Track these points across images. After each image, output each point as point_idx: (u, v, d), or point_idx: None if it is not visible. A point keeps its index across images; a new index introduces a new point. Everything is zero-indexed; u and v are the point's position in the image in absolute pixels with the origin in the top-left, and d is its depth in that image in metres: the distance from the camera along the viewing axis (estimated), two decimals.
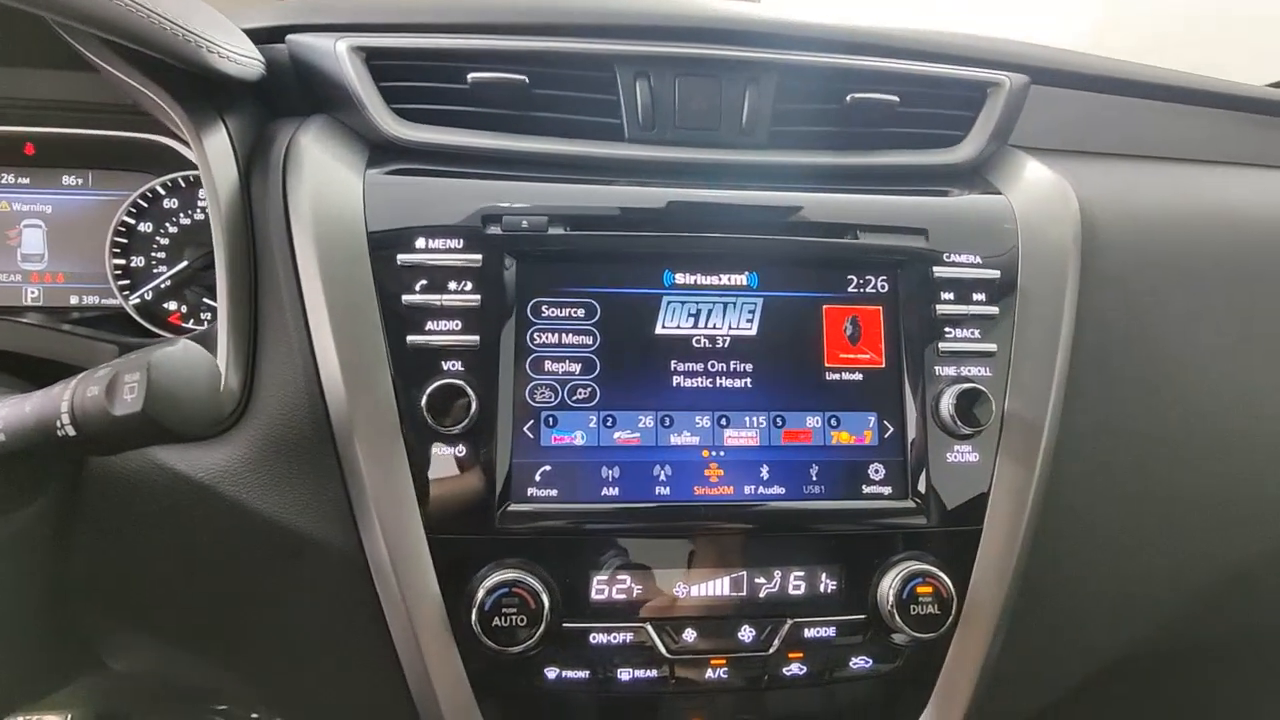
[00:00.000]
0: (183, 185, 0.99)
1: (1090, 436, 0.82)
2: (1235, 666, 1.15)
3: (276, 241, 0.74)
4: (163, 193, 1.02)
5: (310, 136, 0.79)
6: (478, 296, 0.73)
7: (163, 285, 1.01)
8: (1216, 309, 0.89)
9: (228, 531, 0.71)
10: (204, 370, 0.55)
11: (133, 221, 1.01)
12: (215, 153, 0.77)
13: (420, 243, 0.73)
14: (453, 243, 0.73)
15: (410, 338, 0.72)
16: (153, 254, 1.01)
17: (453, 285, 0.73)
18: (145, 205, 1.01)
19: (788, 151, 0.86)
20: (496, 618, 0.68)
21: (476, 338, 0.72)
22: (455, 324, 0.72)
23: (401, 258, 0.73)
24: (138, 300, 1.00)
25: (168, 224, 1.02)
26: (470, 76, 0.80)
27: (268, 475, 0.71)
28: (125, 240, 1.00)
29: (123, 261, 1.00)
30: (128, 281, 1.00)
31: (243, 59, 0.77)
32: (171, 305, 1.01)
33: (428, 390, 0.69)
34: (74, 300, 1.01)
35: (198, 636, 0.75)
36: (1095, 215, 0.87)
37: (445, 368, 0.72)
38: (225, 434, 0.72)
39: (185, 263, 1.00)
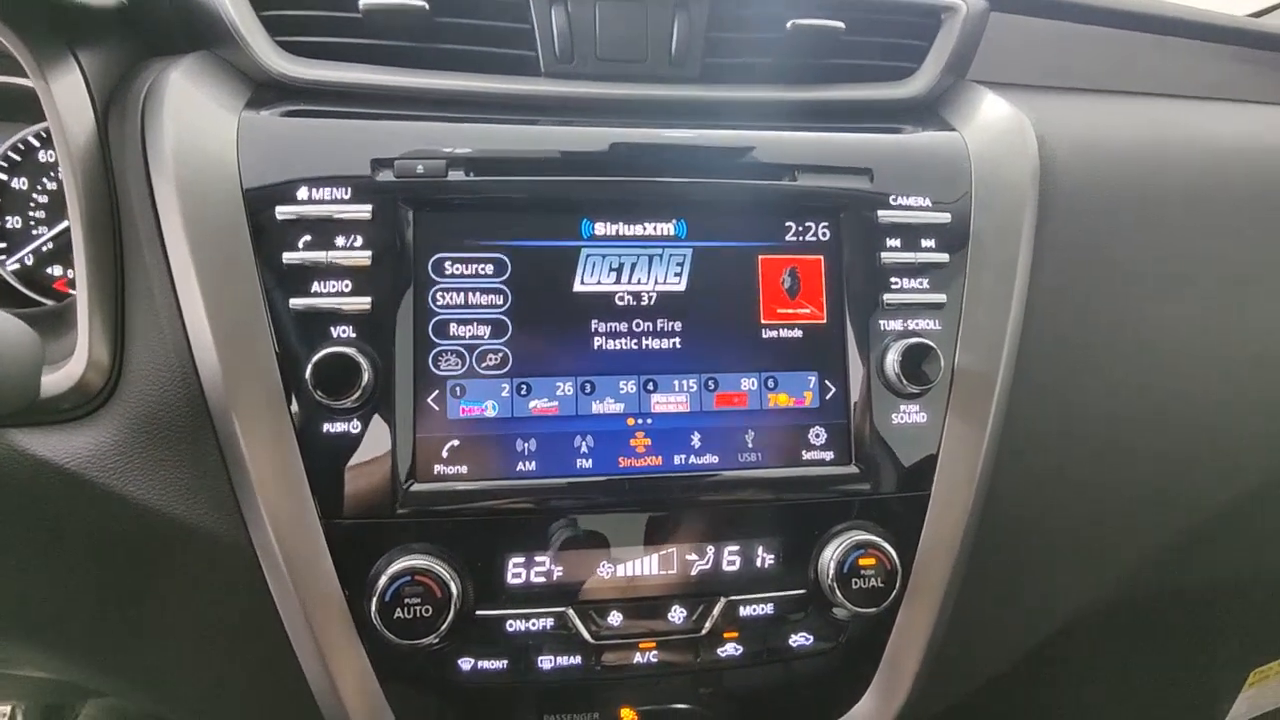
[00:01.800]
0: None
1: (1046, 391, 0.77)
2: (1188, 620, 1.14)
3: (136, 194, 0.65)
4: (37, 144, 0.92)
5: (180, 73, 0.69)
6: (368, 253, 0.65)
7: (44, 248, 0.91)
8: (1184, 251, 0.83)
9: (98, 524, 0.63)
10: (14, 341, 0.47)
11: (5, 177, 0.91)
12: (65, 95, 0.67)
13: (301, 193, 0.65)
14: (338, 192, 0.65)
15: (293, 301, 0.64)
16: (30, 213, 0.92)
17: (340, 240, 0.65)
18: (18, 158, 0.91)
19: (722, 86, 0.78)
20: (398, 609, 0.62)
21: (368, 300, 0.64)
22: (344, 284, 0.64)
23: (281, 210, 0.64)
24: (16, 265, 0.91)
25: (45, 179, 0.92)
26: (363, 3, 0.71)
27: (141, 459, 0.64)
28: None
29: None
30: (3, 245, 0.91)
31: None
32: (56, 270, 0.92)
33: (313, 360, 0.62)
34: None
35: (70, 641, 0.67)
36: (1055, 152, 0.81)
37: (334, 334, 0.64)
38: (93, 414, 0.65)
39: (67, 222, 0.91)
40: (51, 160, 0.91)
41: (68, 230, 0.90)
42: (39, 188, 0.92)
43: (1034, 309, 0.75)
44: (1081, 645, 1.06)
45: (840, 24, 0.77)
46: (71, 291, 0.91)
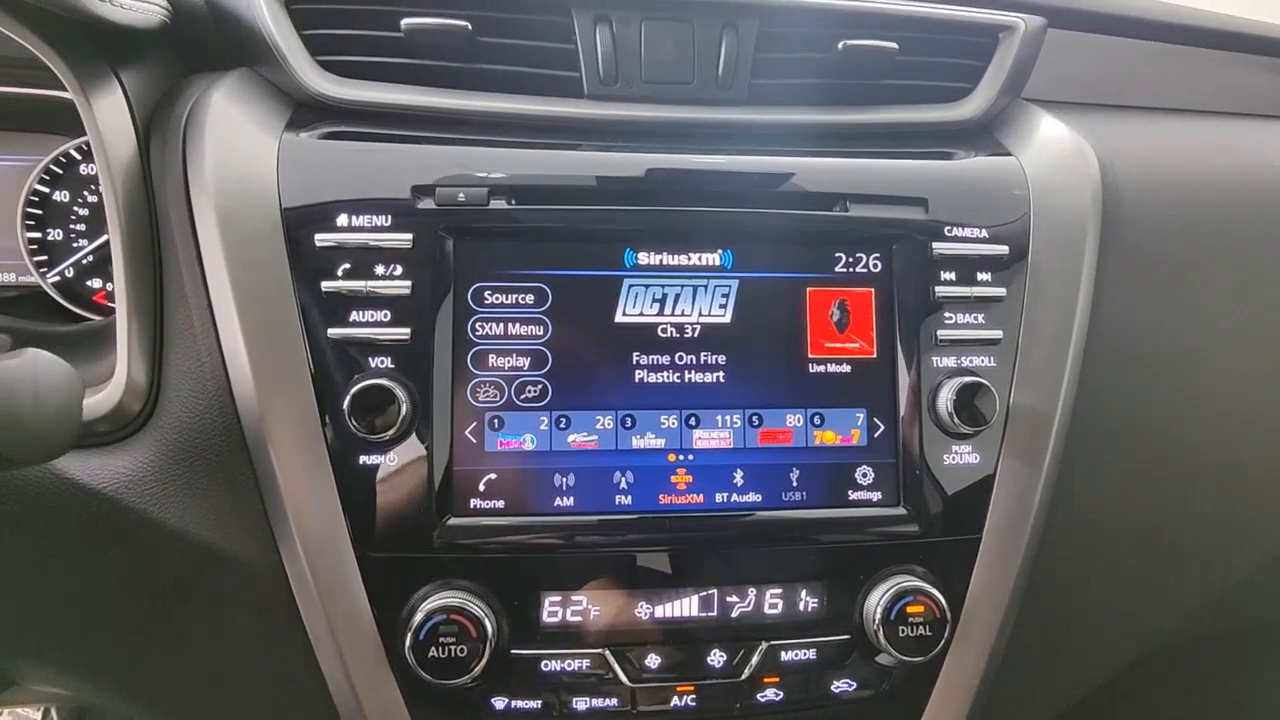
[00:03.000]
0: None
1: (1108, 429, 0.73)
2: (1245, 661, 1.09)
3: (176, 216, 0.65)
4: (78, 157, 0.92)
5: (223, 93, 0.69)
6: (408, 282, 0.64)
7: (84, 261, 0.92)
8: (1258, 281, 0.79)
9: (132, 547, 0.63)
10: (55, 385, 0.46)
11: (46, 190, 0.91)
12: (107, 114, 0.66)
13: (341, 219, 0.64)
14: (378, 219, 0.64)
15: (331, 331, 0.63)
16: (71, 226, 0.92)
17: (379, 269, 0.64)
18: (60, 171, 0.91)
19: (770, 108, 0.76)
20: (433, 648, 0.60)
21: (407, 330, 0.63)
22: (383, 314, 0.63)
23: (320, 237, 0.63)
24: (57, 277, 0.91)
25: (86, 192, 0.92)
26: (405, 23, 0.70)
27: (177, 485, 0.63)
28: (39, 211, 0.91)
29: (38, 235, 0.91)
30: (45, 257, 0.91)
31: (135, 4, 0.66)
32: (95, 283, 0.92)
33: (351, 391, 0.61)
34: None
35: (99, 665, 0.67)
36: (1118, 178, 0.77)
37: (372, 365, 0.63)
38: (131, 438, 0.64)
39: (108, 236, 0.91)
40: (93, 173, 0.91)
41: (108, 243, 0.90)
42: (80, 200, 0.92)
43: (1095, 344, 0.72)
44: (1136, 689, 1.02)
45: (893, 44, 0.75)
46: (110, 305, 0.91)
